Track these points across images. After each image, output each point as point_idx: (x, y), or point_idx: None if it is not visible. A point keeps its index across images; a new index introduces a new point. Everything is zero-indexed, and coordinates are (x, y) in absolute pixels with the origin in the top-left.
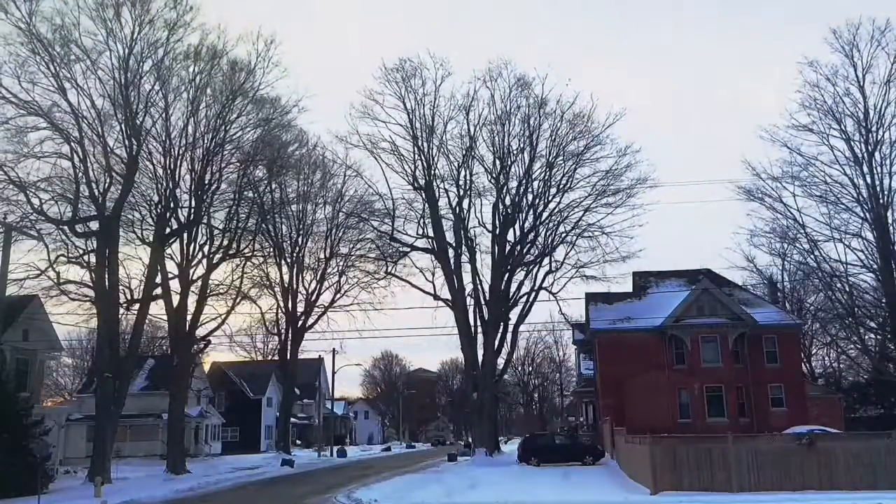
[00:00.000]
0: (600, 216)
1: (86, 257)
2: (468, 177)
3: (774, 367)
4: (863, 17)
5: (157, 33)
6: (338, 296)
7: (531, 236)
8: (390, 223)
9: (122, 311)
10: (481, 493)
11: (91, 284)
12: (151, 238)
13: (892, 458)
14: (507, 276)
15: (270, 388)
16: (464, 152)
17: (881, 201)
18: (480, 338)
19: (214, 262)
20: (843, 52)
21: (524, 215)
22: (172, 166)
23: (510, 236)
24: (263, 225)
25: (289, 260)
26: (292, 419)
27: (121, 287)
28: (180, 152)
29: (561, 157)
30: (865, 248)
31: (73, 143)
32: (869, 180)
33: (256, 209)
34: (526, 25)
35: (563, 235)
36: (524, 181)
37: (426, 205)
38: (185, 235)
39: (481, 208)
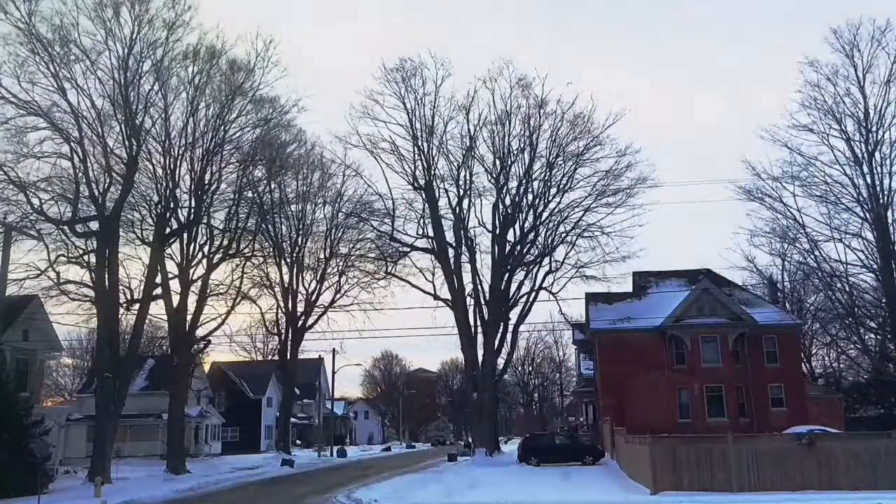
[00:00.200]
0: (600, 216)
1: (86, 257)
2: (468, 177)
3: (774, 367)
4: (863, 17)
5: (156, 33)
6: (338, 296)
7: (531, 236)
8: (390, 223)
9: (122, 311)
10: (481, 493)
11: (91, 284)
12: (151, 238)
13: (892, 458)
14: (507, 276)
15: (270, 388)
16: (464, 152)
17: (881, 201)
18: (480, 338)
19: (214, 262)
20: (843, 52)
21: (524, 215)
22: (172, 166)
23: (510, 236)
24: (263, 225)
25: (289, 260)
26: (292, 419)
27: (121, 287)
28: (180, 152)
29: (561, 158)
30: (865, 248)
31: (72, 143)
32: (869, 180)
33: (256, 209)
34: (526, 25)
35: (563, 235)
36: (524, 181)
37: (426, 205)
38: (185, 235)
39: (481, 208)
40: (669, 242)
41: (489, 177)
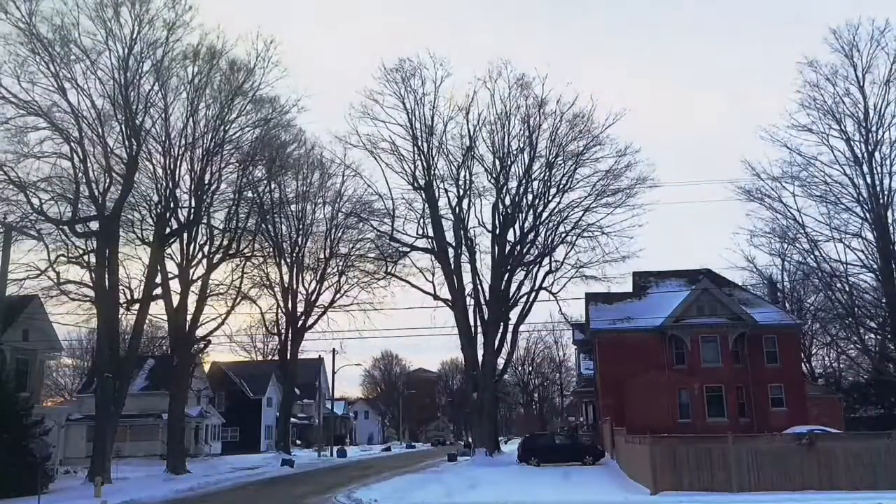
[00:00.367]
0: (600, 216)
1: (86, 257)
2: (468, 177)
3: (774, 367)
4: (862, 18)
5: (157, 33)
6: (337, 296)
7: (531, 236)
8: (390, 223)
9: (122, 311)
10: (481, 493)
11: (91, 284)
12: (151, 238)
13: (892, 458)
14: (507, 276)
15: (270, 388)
16: (463, 152)
17: (881, 201)
18: (480, 338)
19: (214, 262)
20: (842, 52)
21: (524, 215)
22: (172, 166)
23: (510, 236)
24: (263, 225)
25: (288, 260)
26: (292, 419)
27: (121, 287)
28: (180, 152)
29: (561, 157)
30: (865, 248)
31: (73, 143)
32: (869, 180)
33: (256, 209)
34: (526, 25)
35: (563, 235)
36: (524, 181)
37: (426, 205)
38: (185, 235)
39: (481, 208)
40: (669, 242)
41: (489, 177)
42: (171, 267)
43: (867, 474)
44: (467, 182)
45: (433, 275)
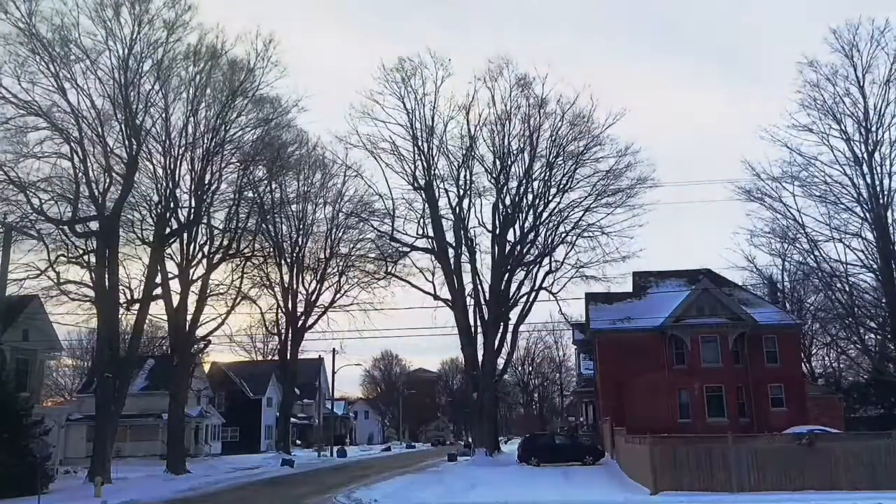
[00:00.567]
0: (600, 216)
1: (86, 257)
2: (468, 177)
3: (774, 367)
4: (862, 18)
5: (157, 33)
6: (338, 296)
7: (531, 236)
8: (390, 223)
9: (122, 311)
10: (481, 493)
11: (91, 284)
12: (151, 238)
13: (892, 458)
14: (507, 276)
15: (270, 388)
16: (464, 152)
17: (881, 201)
18: (480, 338)
19: (214, 262)
20: (842, 52)
21: (524, 215)
22: (172, 166)
23: (510, 236)
24: (263, 225)
25: (289, 260)
26: (292, 419)
27: (121, 287)
28: (180, 152)
29: (561, 157)
30: (865, 248)
31: (73, 143)
32: (869, 180)
33: (256, 209)
34: (526, 25)
35: (563, 235)
36: (524, 181)
37: (426, 205)
38: (185, 235)
39: (481, 208)
40: (669, 242)
41: (489, 177)
42: (171, 267)
43: (867, 474)
44: (467, 182)
45: (433, 275)
